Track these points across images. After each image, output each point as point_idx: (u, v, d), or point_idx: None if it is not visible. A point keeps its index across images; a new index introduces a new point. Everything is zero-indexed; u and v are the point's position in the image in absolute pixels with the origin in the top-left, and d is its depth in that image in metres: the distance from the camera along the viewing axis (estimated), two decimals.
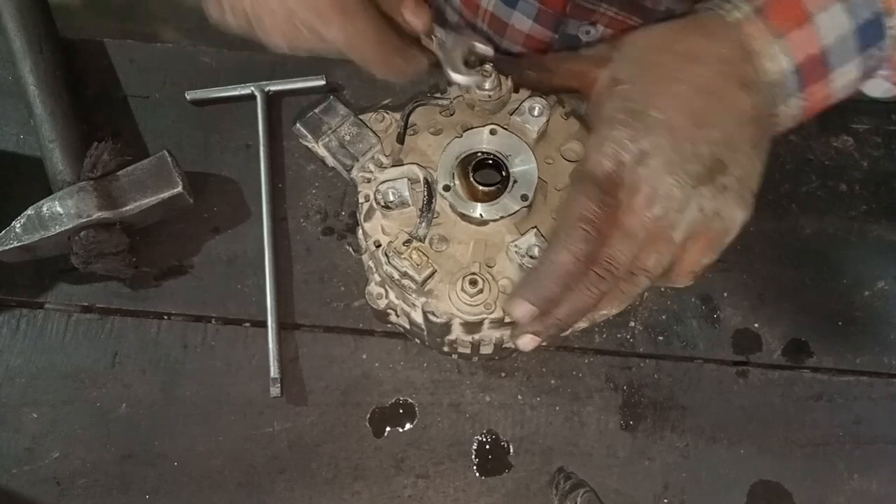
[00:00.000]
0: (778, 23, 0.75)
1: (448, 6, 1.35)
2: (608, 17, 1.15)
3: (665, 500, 1.02)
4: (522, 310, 0.72)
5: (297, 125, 0.88)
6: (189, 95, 1.12)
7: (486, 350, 0.89)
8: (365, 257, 0.88)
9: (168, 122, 1.13)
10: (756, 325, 1.08)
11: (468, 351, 0.90)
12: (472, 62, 0.81)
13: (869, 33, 0.76)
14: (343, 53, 0.77)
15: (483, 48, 0.82)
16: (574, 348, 1.06)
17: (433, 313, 0.80)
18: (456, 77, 0.80)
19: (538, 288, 0.71)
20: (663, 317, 1.08)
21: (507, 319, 0.81)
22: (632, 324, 1.07)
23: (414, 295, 0.81)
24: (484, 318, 0.80)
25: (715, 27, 0.75)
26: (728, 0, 0.77)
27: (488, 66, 0.82)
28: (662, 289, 1.08)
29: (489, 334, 0.86)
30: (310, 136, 0.87)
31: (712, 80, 0.74)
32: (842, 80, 0.78)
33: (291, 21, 0.73)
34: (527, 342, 0.76)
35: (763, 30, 0.75)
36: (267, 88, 1.12)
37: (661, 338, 1.07)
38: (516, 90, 0.88)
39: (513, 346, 0.88)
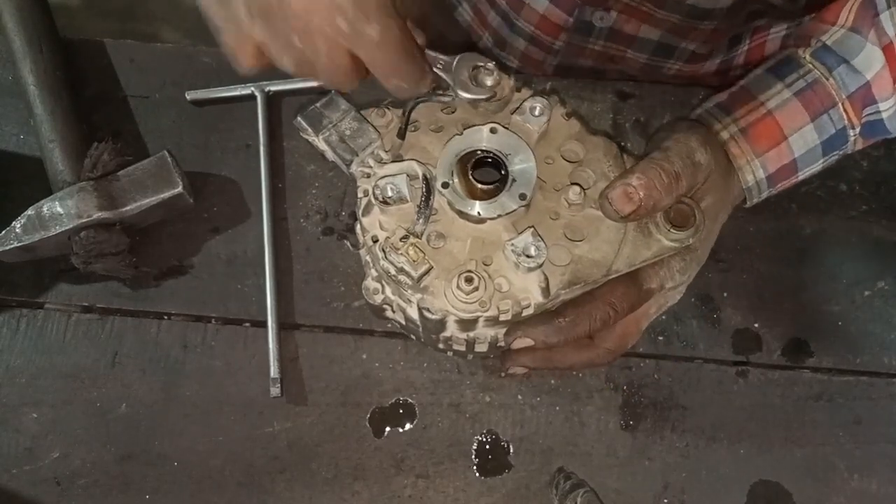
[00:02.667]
0: (758, 145, 0.92)
1: None
2: (622, 2, 1.16)
3: (665, 500, 1.02)
4: (521, 343, 0.86)
5: (298, 118, 0.87)
6: (189, 95, 1.12)
7: (481, 348, 0.89)
8: (362, 252, 0.88)
9: (168, 122, 1.13)
10: (756, 325, 1.08)
11: (463, 348, 0.89)
12: (479, 78, 0.81)
13: (834, 143, 0.94)
14: (371, 67, 0.73)
15: (487, 62, 0.82)
16: None
17: (428, 310, 0.80)
18: (467, 96, 0.80)
19: (547, 335, 0.85)
20: (663, 317, 1.06)
21: (502, 318, 0.81)
22: None
23: (410, 291, 0.81)
24: (479, 316, 0.80)
25: (712, 144, 0.89)
26: (718, 119, 0.93)
27: (490, 64, 0.82)
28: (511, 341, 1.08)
29: (484, 332, 0.86)
30: (310, 130, 0.87)
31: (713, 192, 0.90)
32: (806, 174, 0.97)
33: (333, 19, 0.70)
34: (517, 370, 0.94)
35: (746, 151, 0.92)
36: (267, 88, 1.12)
37: (661, 338, 1.07)
38: (518, 90, 0.88)
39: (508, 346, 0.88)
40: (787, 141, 0.92)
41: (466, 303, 0.78)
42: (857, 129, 0.95)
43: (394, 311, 0.90)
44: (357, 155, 0.84)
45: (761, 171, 0.93)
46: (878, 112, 0.94)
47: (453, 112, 0.87)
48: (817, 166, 0.96)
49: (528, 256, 0.78)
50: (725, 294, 1.09)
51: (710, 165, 0.87)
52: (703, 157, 0.85)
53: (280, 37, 0.71)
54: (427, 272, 0.79)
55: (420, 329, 0.89)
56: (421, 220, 0.80)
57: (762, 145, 0.92)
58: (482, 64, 0.80)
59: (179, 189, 1.02)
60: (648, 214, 0.82)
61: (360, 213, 0.85)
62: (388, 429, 1.04)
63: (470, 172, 0.81)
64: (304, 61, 0.72)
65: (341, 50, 0.70)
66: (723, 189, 0.91)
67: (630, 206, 0.80)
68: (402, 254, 0.78)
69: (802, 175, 0.96)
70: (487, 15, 1.35)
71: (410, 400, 1.04)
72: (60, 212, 0.99)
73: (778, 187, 0.96)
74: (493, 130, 0.82)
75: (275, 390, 1.02)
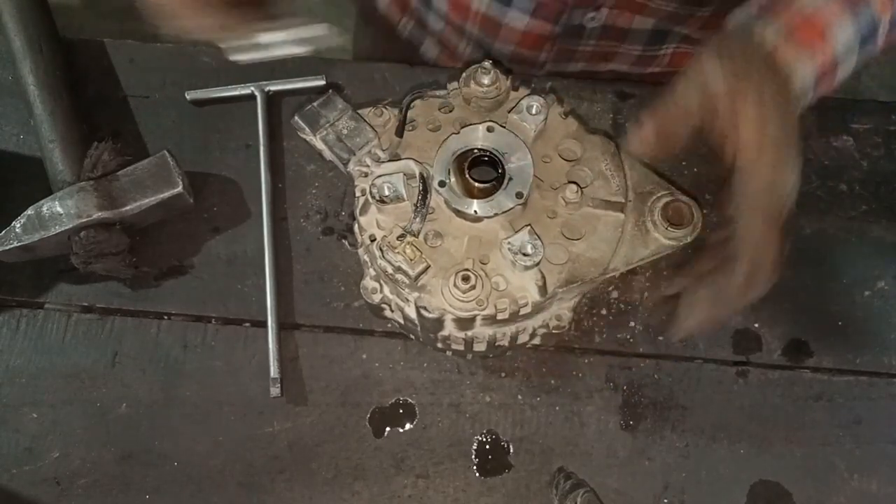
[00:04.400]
0: (805, 45, 0.83)
1: (431, 13, 1.32)
2: None
3: (665, 500, 1.02)
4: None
5: (296, 118, 0.88)
6: (189, 95, 1.12)
7: (480, 347, 0.89)
8: (360, 251, 0.88)
9: (168, 122, 1.14)
10: (756, 325, 1.08)
11: (461, 348, 0.90)
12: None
13: (866, 35, 0.87)
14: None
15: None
16: (574, 348, 1.06)
17: (426, 308, 0.80)
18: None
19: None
20: (663, 317, 1.07)
21: (500, 317, 0.81)
22: (632, 324, 1.07)
23: (407, 290, 0.81)
24: (476, 315, 0.80)
25: (756, 58, 0.82)
26: (761, 24, 0.84)
27: (487, 63, 0.82)
28: (662, 288, 1.08)
29: (482, 331, 0.86)
30: (307, 129, 0.88)
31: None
32: (841, 77, 0.88)
33: None
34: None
35: (794, 55, 0.83)
36: (267, 88, 1.12)
37: (661, 338, 1.07)
38: (515, 88, 0.88)
39: (506, 345, 0.88)
40: (830, 33, 0.86)
41: (464, 301, 0.79)
42: (886, 21, 0.89)
43: (392, 311, 0.90)
44: (354, 154, 0.85)
45: (810, 75, 0.86)
46: None
47: (451, 111, 0.88)
48: (851, 65, 0.90)
49: (524, 255, 0.78)
50: None
51: (733, 85, 0.81)
52: (719, 82, 0.80)
53: None
54: (424, 271, 0.79)
55: (418, 328, 0.89)
56: (418, 219, 0.80)
57: (809, 45, 0.85)
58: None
59: (179, 189, 1.02)
60: (669, 152, 0.80)
61: (357, 212, 0.85)
62: (388, 429, 1.04)
63: (467, 171, 0.81)
64: None
65: None
66: (768, 98, 0.83)
67: (647, 149, 0.79)
68: (399, 252, 0.78)
69: (840, 76, 0.89)
70: (458, 46, 1.32)
71: (410, 400, 1.04)
72: (60, 212, 0.99)
73: (817, 94, 0.89)
74: (489, 129, 0.82)
75: (275, 390, 1.02)
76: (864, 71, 2.66)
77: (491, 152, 0.81)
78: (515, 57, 1.28)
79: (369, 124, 0.86)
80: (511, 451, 1.03)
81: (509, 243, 0.78)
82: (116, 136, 1.09)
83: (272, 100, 1.13)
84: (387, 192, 0.81)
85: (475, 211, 0.80)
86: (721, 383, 1.06)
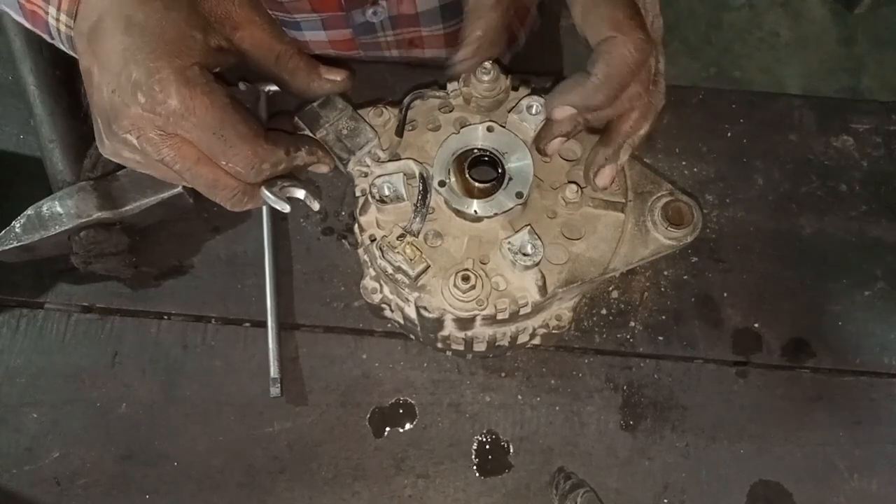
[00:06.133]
0: None
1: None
2: None
3: (665, 500, 1.02)
4: (562, 113, 0.78)
5: (295, 118, 0.87)
6: None
7: (480, 347, 0.89)
8: (360, 251, 0.88)
9: None
10: (756, 325, 1.08)
11: (461, 348, 0.89)
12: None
13: None
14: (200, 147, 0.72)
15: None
16: (574, 348, 1.06)
17: (426, 308, 0.80)
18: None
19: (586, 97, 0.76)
20: (663, 317, 1.07)
21: (500, 317, 0.81)
22: (632, 324, 1.07)
23: (407, 290, 0.81)
24: (476, 315, 0.79)
25: None
26: None
27: (488, 63, 0.82)
28: (662, 288, 1.08)
29: (482, 331, 0.86)
30: (307, 130, 0.87)
31: None
32: None
33: (135, 97, 0.68)
34: (606, 176, 0.81)
35: None
36: (267, 88, 1.11)
37: (661, 338, 1.07)
38: (515, 88, 0.87)
39: (506, 345, 0.88)
40: None
41: (463, 301, 0.78)
42: None
43: (392, 311, 0.90)
44: (354, 154, 0.84)
45: None
46: None
47: (451, 111, 0.87)
48: None
49: (524, 255, 0.78)
50: (725, 294, 1.09)
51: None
52: None
53: (119, 144, 0.70)
54: (424, 271, 0.79)
55: (418, 328, 0.89)
56: (418, 219, 0.80)
57: None
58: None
59: (179, 189, 1.02)
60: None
61: (357, 211, 0.85)
62: (388, 429, 1.04)
63: (467, 171, 0.81)
64: (151, 164, 0.72)
65: (168, 136, 0.69)
66: None
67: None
68: (399, 252, 0.78)
69: None
70: None
71: (410, 400, 1.05)
72: (60, 212, 0.99)
73: None
74: (489, 129, 0.82)
75: (275, 390, 1.02)
76: (863, 71, 2.67)
77: (491, 152, 0.81)
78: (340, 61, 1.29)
79: (369, 124, 0.85)
80: (511, 451, 1.03)
81: (509, 243, 0.78)
82: None
83: (272, 100, 1.13)
84: (387, 192, 0.81)
85: (475, 211, 0.80)
86: (721, 383, 1.06)
